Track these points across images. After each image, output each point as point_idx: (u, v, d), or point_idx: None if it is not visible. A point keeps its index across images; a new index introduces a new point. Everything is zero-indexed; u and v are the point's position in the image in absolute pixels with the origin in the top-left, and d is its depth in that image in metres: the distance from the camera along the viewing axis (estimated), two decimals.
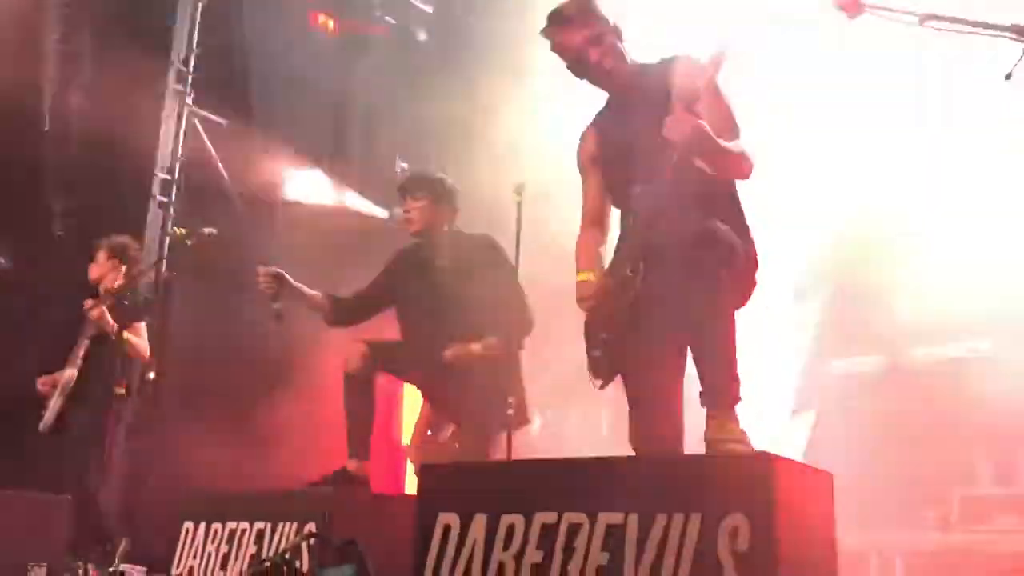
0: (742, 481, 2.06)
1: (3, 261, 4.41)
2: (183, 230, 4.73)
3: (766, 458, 2.06)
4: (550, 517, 2.28)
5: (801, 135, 6.10)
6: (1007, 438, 4.81)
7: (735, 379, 2.59)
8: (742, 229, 2.85)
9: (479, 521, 2.40)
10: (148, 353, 5.32)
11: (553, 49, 3.03)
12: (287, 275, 4.17)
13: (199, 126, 7.56)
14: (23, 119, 6.75)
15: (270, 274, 4.12)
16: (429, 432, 5.48)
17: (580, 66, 3.00)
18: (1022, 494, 4.75)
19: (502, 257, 4.25)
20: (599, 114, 3.18)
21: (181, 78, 7.65)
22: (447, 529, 2.46)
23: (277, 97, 7.60)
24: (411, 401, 5.21)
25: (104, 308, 5.05)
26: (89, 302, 5.18)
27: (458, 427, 4.55)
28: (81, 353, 5.17)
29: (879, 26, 2.61)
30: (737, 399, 2.58)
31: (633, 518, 2.15)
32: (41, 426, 5.16)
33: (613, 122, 3.09)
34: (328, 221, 7.39)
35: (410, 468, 5.90)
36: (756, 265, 2.86)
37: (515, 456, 3.94)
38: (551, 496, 2.31)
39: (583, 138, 3.18)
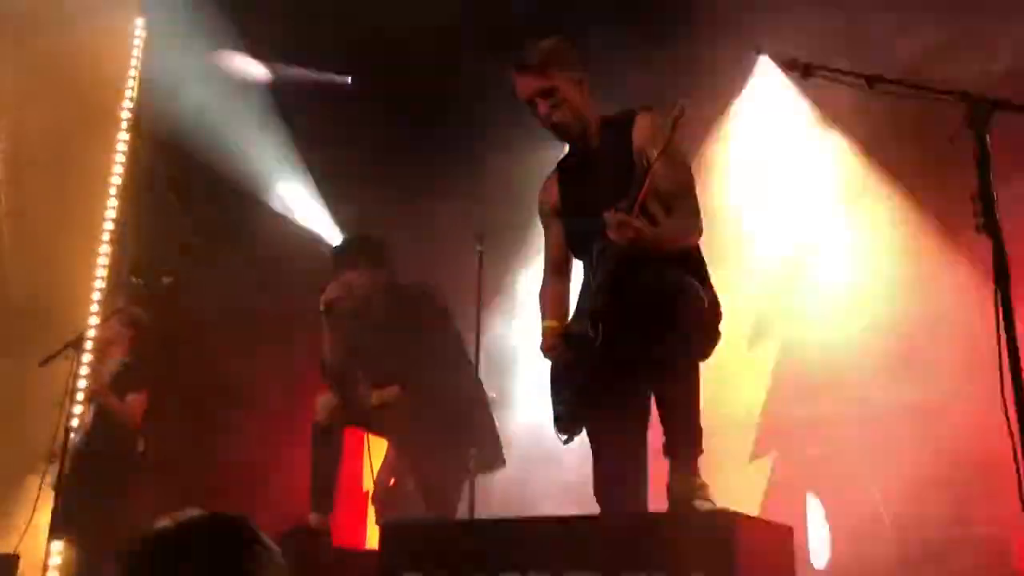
0: (704, 540, 2.07)
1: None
2: (139, 279, 4.65)
3: (726, 516, 2.07)
4: None
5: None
6: (964, 481, 4.87)
7: (699, 432, 2.63)
8: (704, 281, 2.89)
9: None
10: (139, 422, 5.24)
11: (513, 91, 3.04)
12: None
13: None
14: None
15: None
16: (392, 481, 5.45)
17: (533, 112, 3.02)
18: (978, 535, 4.80)
19: (433, 306, 4.30)
20: (561, 162, 3.21)
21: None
22: None
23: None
24: (376, 447, 5.17)
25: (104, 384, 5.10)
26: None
27: (421, 475, 4.52)
28: (85, 422, 5.17)
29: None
30: (700, 451, 2.61)
31: None
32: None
33: (574, 173, 3.12)
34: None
35: (372, 517, 5.85)
36: (720, 317, 2.90)
37: (484, 503, 3.94)
38: (515, 555, 2.30)
39: (544, 187, 3.20)
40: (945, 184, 4.25)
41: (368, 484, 6.60)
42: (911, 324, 5.30)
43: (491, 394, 4.80)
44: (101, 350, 5.46)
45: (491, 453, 4.40)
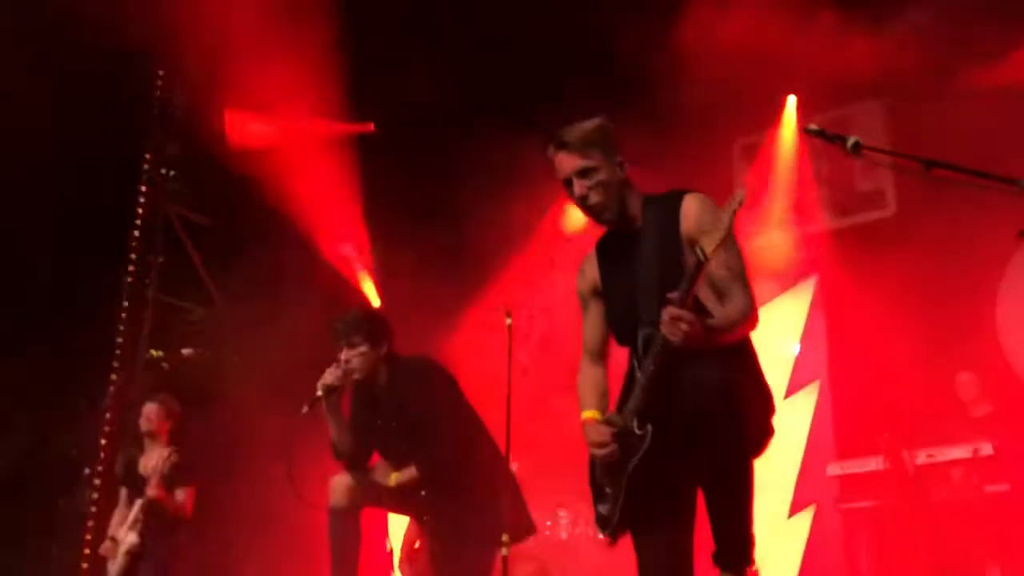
0: None
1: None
2: (158, 352, 4.53)
3: None
4: None
5: None
6: (1014, 541, 4.67)
7: (751, 539, 2.46)
8: (756, 374, 2.74)
9: None
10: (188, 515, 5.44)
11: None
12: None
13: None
14: None
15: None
16: (417, 544, 5.30)
17: (569, 193, 2.88)
18: None
19: (437, 379, 4.20)
20: (601, 243, 3.06)
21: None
22: None
23: None
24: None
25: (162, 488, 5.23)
26: (151, 473, 5.29)
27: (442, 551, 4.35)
28: (140, 517, 5.26)
29: None
30: (751, 561, 2.44)
31: None
32: None
33: (615, 254, 2.97)
34: None
35: None
36: (772, 411, 2.74)
37: None
38: None
39: (583, 268, 3.07)
40: None
41: (392, 544, 6.53)
42: None
43: (513, 465, 4.65)
44: (146, 439, 5.57)
45: (518, 522, 4.25)
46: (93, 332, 6.98)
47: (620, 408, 2.81)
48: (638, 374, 2.69)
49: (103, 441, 4.29)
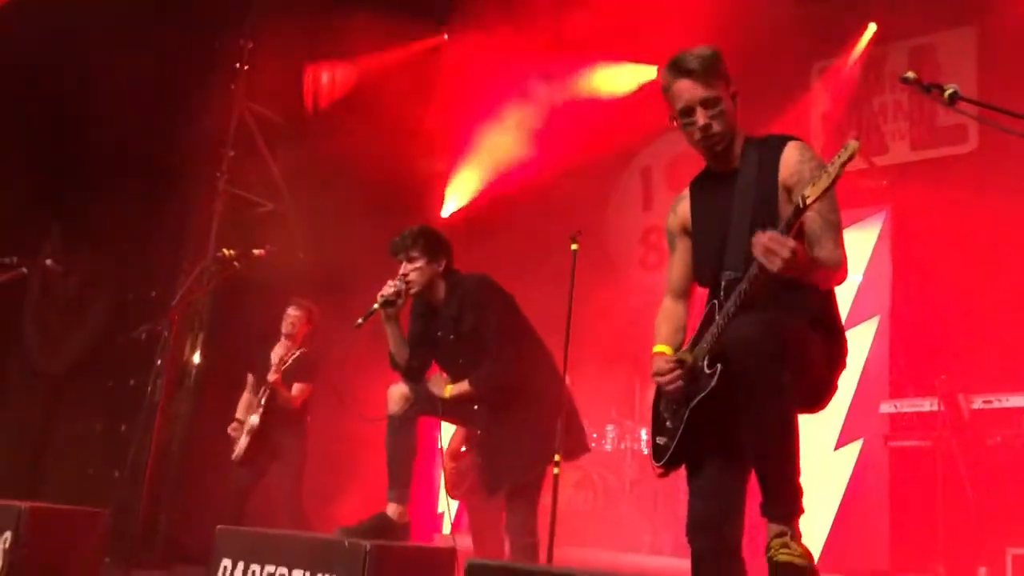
0: None
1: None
2: (231, 251, 4.65)
3: None
4: None
5: None
6: None
7: (797, 490, 2.47)
8: (829, 324, 2.72)
9: None
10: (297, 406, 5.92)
11: (664, 95, 2.86)
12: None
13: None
14: None
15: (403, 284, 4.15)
16: (463, 448, 5.47)
17: (686, 121, 2.82)
18: None
19: (494, 296, 4.27)
20: (696, 181, 3.02)
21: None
22: None
23: None
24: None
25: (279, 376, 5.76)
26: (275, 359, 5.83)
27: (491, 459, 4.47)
28: (263, 400, 5.81)
29: None
30: (800, 511, 2.47)
31: None
32: (233, 458, 5.85)
33: (709, 195, 2.93)
34: None
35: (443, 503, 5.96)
36: (840, 367, 2.72)
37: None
38: None
39: (674, 206, 3.05)
40: None
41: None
42: None
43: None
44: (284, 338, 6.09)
45: (573, 440, 4.36)
46: (168, 225, 7.17)
47: (693, 347, 2.83)
48: (717, 316, 2.69)
49: (169, 331, 4.46)
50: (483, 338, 4.16)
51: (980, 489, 4.84)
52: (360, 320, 4.15)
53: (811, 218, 2.56)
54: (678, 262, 3.04)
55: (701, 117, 2.76)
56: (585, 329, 5.86)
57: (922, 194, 6.27)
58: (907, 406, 5.41)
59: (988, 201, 5.64)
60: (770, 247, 2.37)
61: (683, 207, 3.02)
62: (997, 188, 5.71)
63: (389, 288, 4.14)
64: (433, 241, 4.29)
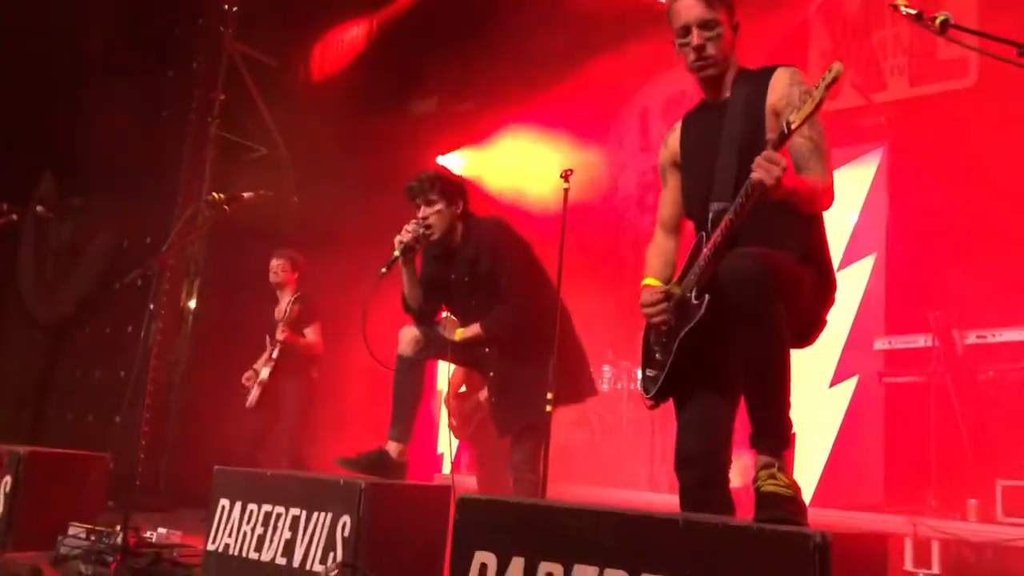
0: (797, 559, 1.96)
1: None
2: (221, 195, 4.61)
3: (822, 538, 1.96)
4: (590, 571, 2.22)
5: None
6: None
7: (787, 423, 2.48)
8: (819, 261, 2.71)
9: (516, 565, 2.35)
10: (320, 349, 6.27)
11: (667, 15, 2.84)
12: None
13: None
14: None
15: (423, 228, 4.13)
16: (463, 388, 5.51)
17: (683, 42, 2.81)
18: None
19: (510, 240, 4.26)
20: (689, 114, 3.01)
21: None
22: (483, 568, 2.41)
23: None
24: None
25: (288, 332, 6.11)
26: (279, 314, 6.17)
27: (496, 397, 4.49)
28: (275, 354, 6.14)
29: None
30: (788, 444, 2.48)
31: None
32: (247, 405, 6.16)
33: (699, 127, 2.92)
34: None
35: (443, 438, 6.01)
36: (829, 302, 2.73)
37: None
38: (593, 548, 2.24)
39: (667, 140, 3.03)
40: None
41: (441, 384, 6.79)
42: None
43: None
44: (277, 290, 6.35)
45: (582, 383, 4.38)
46: (161, 171, 7.12)
47: (681, 279, 2.83)
48: (704, 247, 2.69)
49: (160, 275, 4.45)
50: (498, 281, 4.14)
51: (972, 423, 4.87)
52: (383, 269, 4.13)
53: (798, 142, 2.56)
54: (669, 196, 3.03)
55: (697, 37, 2.76)
56: (581, 270, 5.87)
57: (920, 130, 6.21)
58: (901, 342, 5.43)
59: (986, 136, 5.59)
60: (764, 163, 2.37)
61: (674, 140, 3.00)
62: (995, 123, 5.65)
63: (407, 234, 4.11)
64: (450, 184, 4.27)
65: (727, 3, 2.80)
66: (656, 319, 2.80)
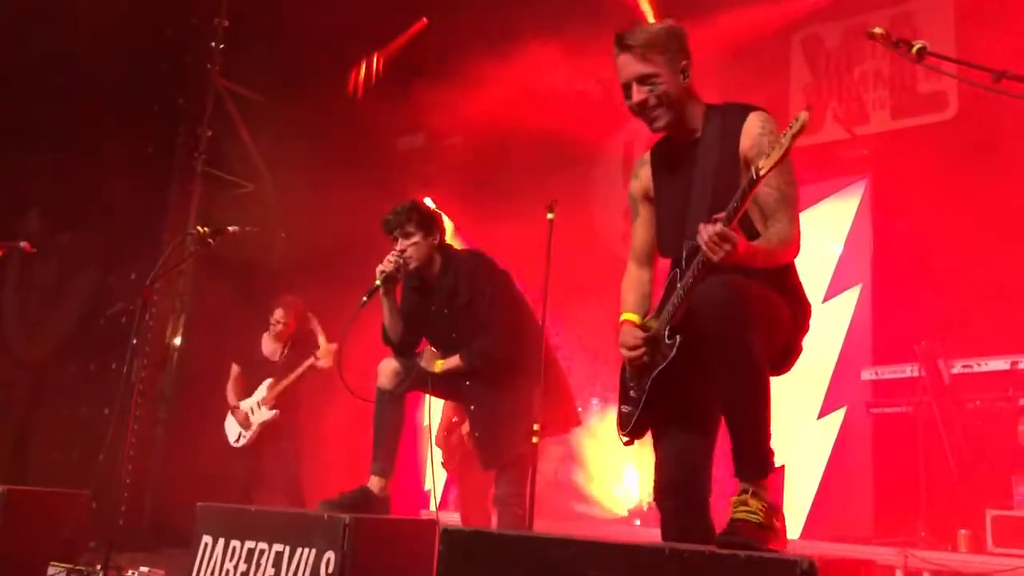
0: None
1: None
2: (205, 228, 4.61)
3: (809, 565, 1.94)
4: None
5: None
6: None
7: (768, 452, 2.47)
8: (790, 288, 2.72)
9: None
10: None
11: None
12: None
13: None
14: None
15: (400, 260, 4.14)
16: (455, 419, 5.48)
17: (627, 100, 2.81)
18: None
19: (489, 271, 4.28)
20: (656, 147, 3.00)
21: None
22: None
23: None
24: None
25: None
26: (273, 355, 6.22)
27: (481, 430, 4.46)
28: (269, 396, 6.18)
29: None
30: (767, 471, 2.47)
31: None
32: (239, 444, 6.22)
33: (671, 163, 2.91)
34: None
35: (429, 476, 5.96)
36: (804, 328, 2.73)
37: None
38: None
39: (636, 172, 3.03)
40: None
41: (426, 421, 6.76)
42: None
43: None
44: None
45: (564, 413, 4.36)
46: (147, 206, 7.12)
47: (658, 314, 2.83)
48: (678, 285, 2.69)
49: (143, 309, 4.43)
50: (477, 312, 4.15)
51: (960, 452, 4.86)
52: (364, 298, 4.15)
53: (765, 191, 2.57)
54: (641, 228, 3.03)
55: (636, 93, 2.76)
56: (568, 302, 5.87)
57: (903, 162, 6.27)
58: (888, 372, 5.44)
59: (968, 168, 5.64)
60: (715, 237, 2.36)
61: (645, 172, 3.00)
62: (977, 154, 5.71)
63: (387, 264, 4.12)
64: (427, 216, 4.28)
65: (670, 51, 2.76)
66: (632, 357, 2.80)
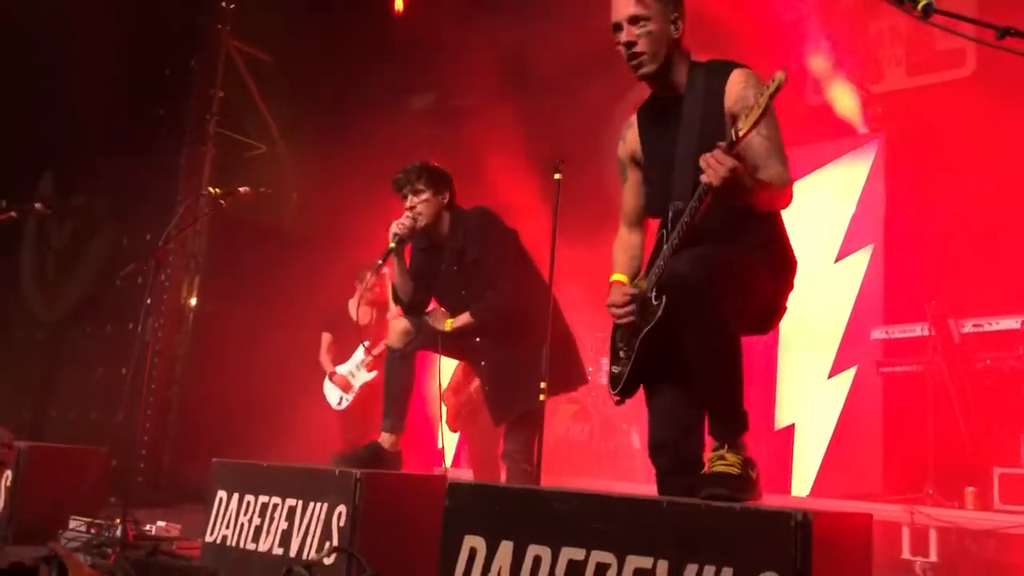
0: (778, 537, 1.98)
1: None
2: (217, 189, 4.64)
3: (803, 516, 1.97)
4: (578, 553, 2.24)
5: None
6: None
7: (738, 411, 2.54)
8: (774, 247, 2.75)
9: (505, 548, 2.38)
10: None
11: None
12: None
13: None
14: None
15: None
16: (464, 375, 5.53)
17: (616, 38, 2.79)
18: None
19: (497, 229, 4.29)
20: (642, 109, 3.00)
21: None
22: (472, 552, 2.44)
23: None
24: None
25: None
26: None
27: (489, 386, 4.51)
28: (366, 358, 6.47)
29: None
30: (742, 430, 2.53)
31: (663, 564, 2.10)
32: (340, 407, 6.56)
33: (656, 124, 2.91)
34: None
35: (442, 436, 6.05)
36: (787, 288, 2.76)
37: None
38: (580, 531, 2.26)
39: (624, 135, 3.03)
40: None
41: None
42: None
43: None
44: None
45: (571, 371, 4.40)
46: (160, 168, 7.16)
47: (646, 275, 2.86)
48: (664, 246, 2.72)
49: (156, 270, 4.48)
50: (485, 270, 4.18)
51: (969, 411, 4.87)
52: (380, 261, 4.21)
53: (756, 142, 2.57)
54: (630, 191, 3.04)
55: (625, 34, 2.75)
56: (579, 262, 5.88)
57: (917, 121, 6.20)
58: (898, 332, 5.43)
59: (984, 126, 5.58)
60: (711, 162, 2.39)
61: (632, 135, 3.00)
62: (993, 112, 5.64)
63: (398, 225, 4.16)
64: (436, 174, 4.31)
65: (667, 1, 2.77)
66: (623, 320, 2.83)
